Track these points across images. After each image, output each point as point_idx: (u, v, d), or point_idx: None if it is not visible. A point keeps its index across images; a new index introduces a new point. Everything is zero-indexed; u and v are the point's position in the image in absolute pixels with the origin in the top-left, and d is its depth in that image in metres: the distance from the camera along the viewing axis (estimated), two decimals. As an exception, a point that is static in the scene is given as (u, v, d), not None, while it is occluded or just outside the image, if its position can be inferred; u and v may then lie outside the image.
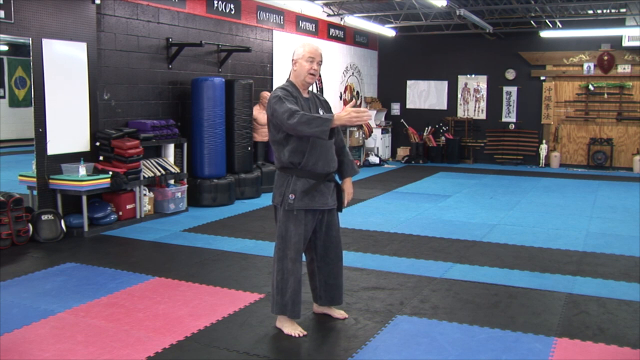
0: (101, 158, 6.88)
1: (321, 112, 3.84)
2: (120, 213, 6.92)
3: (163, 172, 7.55)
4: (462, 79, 14.27)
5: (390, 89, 14.88)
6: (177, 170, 7.78)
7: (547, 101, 13.51)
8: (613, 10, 11.91)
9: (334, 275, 4.00)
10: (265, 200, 8.66)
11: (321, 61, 3.83)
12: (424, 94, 14.65)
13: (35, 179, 6.39)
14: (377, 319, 4.09)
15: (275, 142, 3.78)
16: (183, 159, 7.98)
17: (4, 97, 9.16)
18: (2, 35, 5.94)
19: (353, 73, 13.60)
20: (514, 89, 13.79)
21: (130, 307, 4.28)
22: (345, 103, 13.16)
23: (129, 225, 6.93)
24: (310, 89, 3.96)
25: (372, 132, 13.31)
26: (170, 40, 8.08)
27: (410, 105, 14.78)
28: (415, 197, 9.16)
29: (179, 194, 7.68)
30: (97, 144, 6.90)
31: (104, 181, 6.59)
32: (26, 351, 3.53)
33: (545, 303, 4.47)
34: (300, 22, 11.24)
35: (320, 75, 10.34)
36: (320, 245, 3.93)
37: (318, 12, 11.77)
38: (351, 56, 13.49)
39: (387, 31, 12.98)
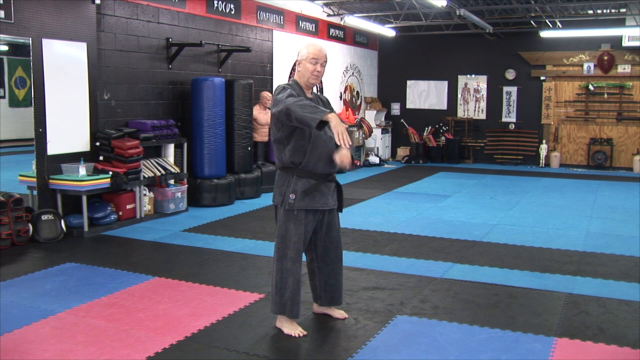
0: (101, 158, 6.88)
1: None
2: (120, 213, 6.92)
3: (163, 172, 7.55)
4: (462, 79, 14.27)
5: (390, 89, 14.88)
6: (177, 170, 7.78)
7: (547, 101, 13.51)
8: (613, 10, 11.91)
9: (334, 275, 4.00)
10: (265, 200, 8.66)
11: (325, 62, 3.83)
12: (424, 94, 14.65)
13: (35, 179, 6.39)
14: (377, 319, 4.09)
15: (276, 140, 3.78)
16: (183, 159, 7.97)
17: (4, 97, 9.16)
18: (2, 35, 5.94)
19: (353, 73, 13.60)
20: (514, 89, 13.80)
21: (130, 307, 4.28)
22: (346, 103, 13.17)
23: (129, 225, 6.93)
24: (314, 89, 3.97)
25: (372, 132, 13.31)
26: (170, 40, 8.08)
27: (410, 105, 14.78)
28: (415, 197, 9.16)
29: (179, 194, 7.68)
30: (97, 144, 6.90)
31: (104, 181, 6.59)
32: (26, 351, 3.53)
33: (545, 303, 4.47)
34: (300, 22, 11.24)
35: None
36: (321, 246, 3.93)
37: (318, 12, 11.76)
38: (351, 56, 13.49)
39: (387, 31, 12.98)
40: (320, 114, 3.43)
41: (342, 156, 3.66)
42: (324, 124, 3.46)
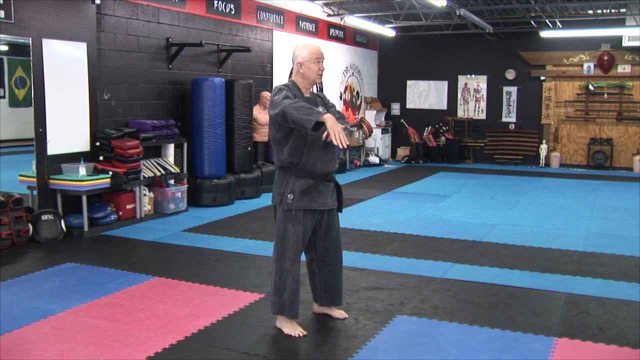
0: (101, 158, 6.88)
1: (321, 109, 3.84)
2: (120, 213, 6.92)
3: (163, 172, 7.54)
4: (462, 79, 14.27)
5: (390, 89, 14.88)
6: (177, 170, 7.78)
7: (547, 101, 13.51)
8: (613, 10, 11.91)
9: (334, 275, 4.00)
10: (265, 200, 8.66)
11: (324, 59, 3.87)
12: (424, 94, 14.65)
13: (35, 179, 6.39)
14: (377, 319, 4.09)
15: (275, 140, 3.80)
16: (183, 159, 7.97)
17: (4, 97, 9.16)
18: (2, 35, 5.94)
19: (353, 73, 13.60)
20: (514, 89, 13.79)
21: (130, 307, 4.28)
22: (346, 103, 13.16)
23: (129, 225, 6.93)
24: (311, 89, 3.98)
25: (372, 132, 13.31)
26: (170, 40, 8.07)
27: (410, 105, 14.78)
28: (415, 197, 9.16)
29: (179, 194, 7.67)
30: (97, 144, 6.90)
31: (104, 181, 6.59)
32: (26, 351, 3.53)
33: (545, 303, 4.47)
34: (300, 22, 11.24)
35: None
36: (320, 246, 3.93)
37: (318, 12, 11.76)
38: (351, 56, 13.49)
39: (387, 31, 12.98)
40: (315, 116, 3.44)
41: (332, 129, 3.41)
42: (320, 124, 3.46)
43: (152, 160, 7.54)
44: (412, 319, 4.09)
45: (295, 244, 3.76)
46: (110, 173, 6.70)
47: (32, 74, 6.25)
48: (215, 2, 8.92)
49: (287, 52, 10.65)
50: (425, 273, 5.18)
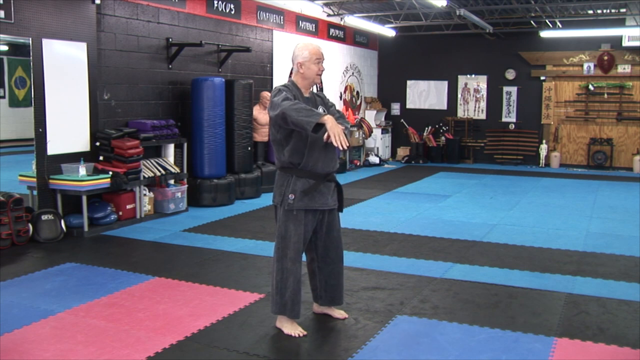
0: (101, 158, 6.88)
1: (321, 110, 3.84)
2: (120, 213, 6.92)
3: (163, 172, 7.54)
4: (462, 79, 14.27)
5: (390, 89, 14.88)
6: (177, 170, 7.78)
7: (547, 101, 13.51)
8: (613, 10, 11.91)
9: (335, 275, 4.00)
10: (265, 200, 8.66)
11: (324, 59, 3.87)
12: (424, 94, 14.65)
13: (35, 179, 6.39)
14: (377, 319, 4.09)
15: (275, 141, 3.80)
16: (183, 159, 7.97)
17: (4, 97, 9.15)
18: (2, 35, 5.94)
19: (353, 73, 13.60)
20: (514, 89, 13.79)
21: (130, 307, 4.28)
22: (346, 103, 13.16)
23: (129, 225, 6.93)
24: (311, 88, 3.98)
25: (372, 132, 13.31)
26: (170, 40, 8.07)
27: (410, 105, 14.78)
28: (415, 197, 9.16)
29: (179, 194, 7.68)
30: (97, 144, 6.90)
31: (104, 181, 6.59)
32: (26, 351, 3.53)
33: (545, 303, 4.47)
34: (300, 22, 11.24)
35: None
36: (321, 246, 3.93)
37: (318, 12, 11.76)
38: (351, 56, 13.49)
39: (387, 31, 12.98)
40: (315, 117, 3.44)
41: (332, 130, 3.43)
42: (320, 126, 3.46)
43: (152, 160, 7.54)
44: (412, 319, 4.09)
45: (297, 244, 3.76)
46: (110, 173, 6.70)
47: (32, 74, 6.25)
48: (215, 2, 8.92)
49: (287, 52, 10.65)
50: (425, 273, 5.18)
